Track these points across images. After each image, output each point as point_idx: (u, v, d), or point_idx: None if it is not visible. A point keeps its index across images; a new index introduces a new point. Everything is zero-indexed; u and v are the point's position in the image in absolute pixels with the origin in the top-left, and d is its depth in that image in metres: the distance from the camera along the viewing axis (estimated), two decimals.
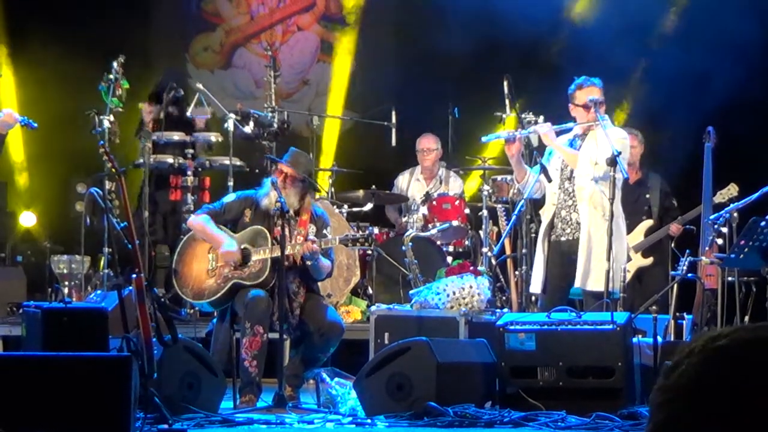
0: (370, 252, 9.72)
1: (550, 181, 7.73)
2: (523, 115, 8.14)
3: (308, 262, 7.25)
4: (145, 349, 5.73)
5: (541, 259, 7.74)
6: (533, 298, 8.44)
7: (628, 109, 11.50)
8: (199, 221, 7.50)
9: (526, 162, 7.96)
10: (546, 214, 7.82)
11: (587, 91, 7.74)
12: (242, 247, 7.36)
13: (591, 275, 7.57)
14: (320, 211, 7.67)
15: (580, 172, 7.66)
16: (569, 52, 10.79)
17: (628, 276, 9.29)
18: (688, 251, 8.16)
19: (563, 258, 7.68)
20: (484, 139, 7.94)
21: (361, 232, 7.59)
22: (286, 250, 7.10)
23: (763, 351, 1.32)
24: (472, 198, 10.94)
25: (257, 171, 9.89)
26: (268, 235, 7.34)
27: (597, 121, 7.61)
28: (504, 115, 8.51)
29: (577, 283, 7.59)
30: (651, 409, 1.36)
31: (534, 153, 7.93)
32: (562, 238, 7.74)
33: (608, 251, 7.38)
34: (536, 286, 7.82)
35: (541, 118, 8.06)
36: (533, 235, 8.29)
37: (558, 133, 7.81)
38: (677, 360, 1.35)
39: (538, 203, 8.06)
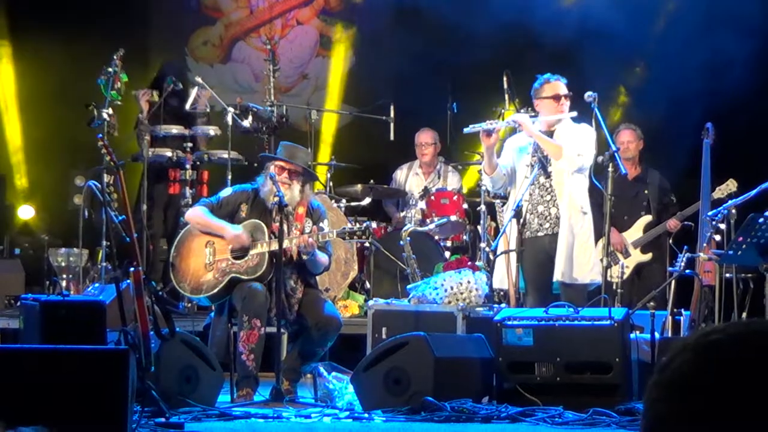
0: (368, 244, 9.71)
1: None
2: (522, 111, 8.16)
3: (305, 257, 7.26)
4: (143, 342, 5.73)
5: (512, 256, 7.78)
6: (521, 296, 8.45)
7: (628, 104, 11.50)
8: (197, 213, 7.51)
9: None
10: (509, 212, 7.87)
11: (554, 86, 7.81)
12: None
13: (573, 268, 7.62)
14: (316, 204, 7.67)
15: (556, 167, 7.71)
16: (566, 49, 10.78)
17: (627, 272, 9.30)
18: (686, 247, 8.16)
19: (546, 252, 7.70)
20: (465, 130, 7.95)
21: (358, 225, 7.59)
22: (283, 245, 7.10)
23: (758, 345, 1.32)
24: (470, 193, 10.94)
25: (255, 165, 9.90)
26: (266, 229, 7.35)
27: (592, 101, 7.65)
28: (503, 110, 8.52)
29: (557, 276, 7.62)
30: (645, 404, 1.36)
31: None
32: (539, 233, 7.77)
33: (606, 246, 7.40)
34: (502, 282, 7.88)
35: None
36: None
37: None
38: (671, 356, 1.35)
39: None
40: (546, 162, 7.77)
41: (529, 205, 7.78)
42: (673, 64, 10.62)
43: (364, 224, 7.58)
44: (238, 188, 7.66)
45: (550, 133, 7.80)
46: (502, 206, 9.82)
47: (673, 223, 9.51)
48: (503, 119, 8.09)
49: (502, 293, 8.60)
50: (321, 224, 7.46)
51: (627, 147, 9.61)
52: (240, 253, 7.37)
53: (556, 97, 7.78)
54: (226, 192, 7.64)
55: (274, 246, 7.21)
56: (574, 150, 7.64)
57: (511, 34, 11.03)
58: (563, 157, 7.66)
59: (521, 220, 7.76)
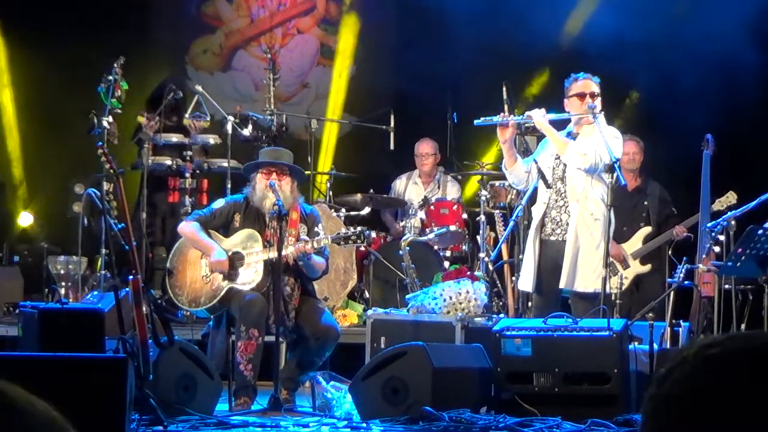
0: (363, 248, 9.68)
1: (548, 187, 7.71)
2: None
3: (300, 263, 7.27)
4: (141, 350, 5.73)
5: (531, 258, 7.72)
6: (529, 303, 8.44)
7: (628, 116, 11.50)
8: (189, 228, 7.51)
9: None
10: (536, 212, 7.81)
11: (581, 85, 7.74)
12: (234, 251, 7.38)
13: (578, 276, 7.55)
14: (309, 208, 7.69)
15: (572, 171, 7.64)
16: (567, 60, 10.79)
17: (626, 283, 9.29)
18: (685, 259, 8.16)
19: (553, 259, 7.67)
20: (476, 122, 7.88)
21: (352, 229, 7.58)
22: (282, 252, 7.10)
23: (757, 359, 1.32)
24: (468, 203, 10.94)
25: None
26: (260, 237, 7.36)
27: (590, 113, 7.57)
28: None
29: (562, 284, 7.57)
30: (643, 417, 1.36)
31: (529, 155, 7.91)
32: (552, 238, 7.72)
33: (605, 257, 7.37)
34: (525, 284, 7.79)
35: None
36: (527, 239, 8.26)
37: (555, 126, 7.76)
38: (669, 368, 1.35)
39: (532, 202, 8.03)
40: (552, 170, 7.72)
41: (546, 208, 7.73)
42: (673, 74, 10.62)
43: (359, 228, 7.57)
44: (230, 199, 7.70)
45: (577, 134, 7.73)
46: (502, 216, 9.84)
47: (679, 229, 9.49)
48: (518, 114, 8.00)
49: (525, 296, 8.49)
50: (316, 228, 7.47)
51: (632, 158, 9.62)
52: (236, 263, 7.38)
53: (581, 96, 7.69)
54: (219, 203, 7.65)
55: (269, 254, 7.23)
56: (579, 148, 7.55)
57: (513, 43, 11.03)
58: (566, 153, 7.59)
59: (540, 222, 7.72)
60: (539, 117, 7.65)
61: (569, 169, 7.65)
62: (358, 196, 10.55)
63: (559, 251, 7.61)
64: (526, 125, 7.94)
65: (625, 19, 10.92)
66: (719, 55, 10.16)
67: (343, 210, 10.43)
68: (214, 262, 7.33)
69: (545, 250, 7.70)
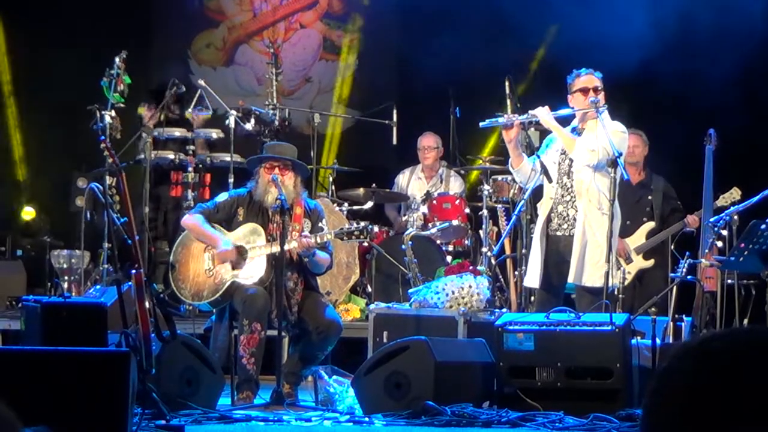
0: (367, 244, 9.68)
1: (551, 181, 7.70)
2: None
3: (305, 259, 7.27)
4: (144, 344, 5.73)
5: (538, 254, 7.72)
6: (532, 298, 8.43)
7: (630, 110, 11.48)
8: (193, 221, 7.51)
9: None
10: (543, 208, 7.80)
11: (584, 80, 7.72)
12: (237, 245, 7.38)
13: (585, 271, 7.54)
14: (313, 203, 7.68)
15: (578, 166, 7.63)
16: (567, 55, 10.77)
17: (629, 277, 9.29)
18: (687, 253, 8.16)
19: (559, 254, 7.66)
20: (482, 124, 7.87)
21: (356, 225, 7.57)
22: (284, 247, 7.11)
23: (759, 354, 1.31)
24: (472, 197, 10.94)
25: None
26: (263, 232, 7.36)
27: (593, 107, 7.56)
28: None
29: (571, 279, 7.56)
30: (644, 411, 1.36)
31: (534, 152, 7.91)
32: (558, 233, 7.71)
33: (608, 252, 7.36)
34: (532, 281, 7.78)
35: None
36: (533, 235, 8.25)
37: (559, 122, 7.75)
38: (671, 363, 1.35)
39: (536, 198, 8.02)
40: (558, 165, 7.71)
41: (552, 204, 7.72)
42: (675, 68, 10.61)
43: (362, 224, 7.57)
44: (234, 193, 7.70)
45: (582, 129, 7.71)
46: (504, 211, 9.83)
47: (692, 219, 9.45)
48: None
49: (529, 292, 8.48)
50: (320, 224, 7.47)
51: (632, 152, 9.60)
52: (240, 256, 7.37)
53: (584, 91, 7.67)
54: (223, 197, 7.65)
55: (272, 249, 7.23)
56: (587, 145, 7.54)
57: (515, 38, 11.01)
58: (575, 151, 7.58)
59: (547, 218, 7.70)
60: (545, 115, 7.64)
61: (575, 165, 7.64)
62: (361, 191, 10.54)
63: (566, 246, 7.60)
64: (530, 120, 7.93)
65: (623, 10, 10.91)
66: (728, 48, 10.13)
67: (346, 204, 10.43)
68: (221, 252, 7.34)
69: (551, 245, 7.70)
